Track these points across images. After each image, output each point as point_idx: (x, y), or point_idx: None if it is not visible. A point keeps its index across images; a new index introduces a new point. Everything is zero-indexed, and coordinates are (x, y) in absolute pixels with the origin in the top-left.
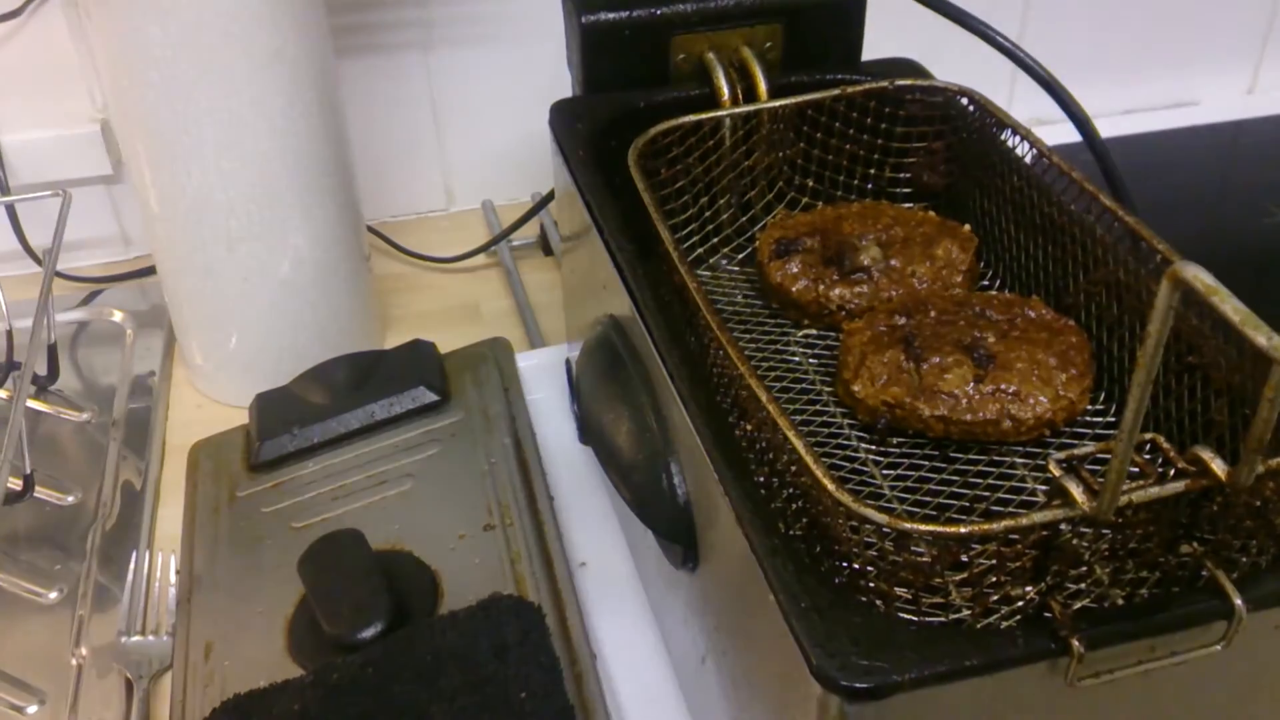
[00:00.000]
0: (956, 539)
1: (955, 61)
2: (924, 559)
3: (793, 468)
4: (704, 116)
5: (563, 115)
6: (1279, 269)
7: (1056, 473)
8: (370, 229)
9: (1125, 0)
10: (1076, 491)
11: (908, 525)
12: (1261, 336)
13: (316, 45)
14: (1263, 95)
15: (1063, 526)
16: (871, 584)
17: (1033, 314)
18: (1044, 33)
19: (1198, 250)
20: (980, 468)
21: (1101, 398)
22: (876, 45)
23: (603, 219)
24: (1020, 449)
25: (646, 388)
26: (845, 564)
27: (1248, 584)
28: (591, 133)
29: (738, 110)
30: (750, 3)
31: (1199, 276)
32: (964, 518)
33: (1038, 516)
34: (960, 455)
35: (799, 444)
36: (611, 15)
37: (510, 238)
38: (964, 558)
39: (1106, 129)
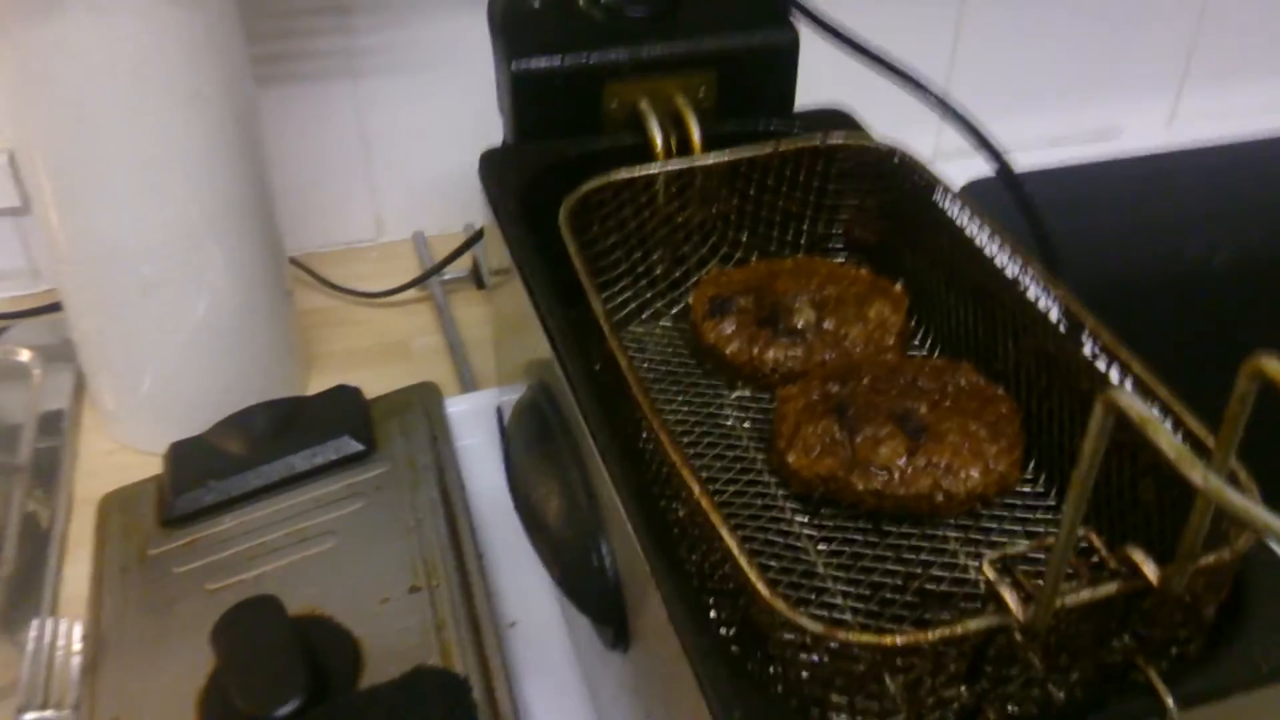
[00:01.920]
0: (893, 651)
1: (891, 92)
2: (859, 666)
3: (725, 565)
4: (635, 174)
5: (492, 165)
6: (1197, 302)
7: (990, 575)
8: (296, 261)
9: (1050, 31)
10: (1011, 600)
11: (842, 636)
12: (1196, 475)
13: (236, 84)
14: (1182, 125)
15: (1002, 632)
16: (806, 689)
17: (964, 382)
18: (972, 63)
19: (1120, 285)
20: (914, 542)
21: (1031, 466)
22: (815, 77)
23: (533, 280)
24: (952, 522)
25: (576, 461)
26: (778, 667)
27: (1179, 678)
28: (521, 184)
29: (670, 167)
30: (683, 51)
31: (1133, 406)
32: (896, 597)
33: (973, 625)
34: (893, 529)
35: (732, 543)
36: (543, 63)
37: (442, 271)
38: (898, 661)
39: (1032, 159)
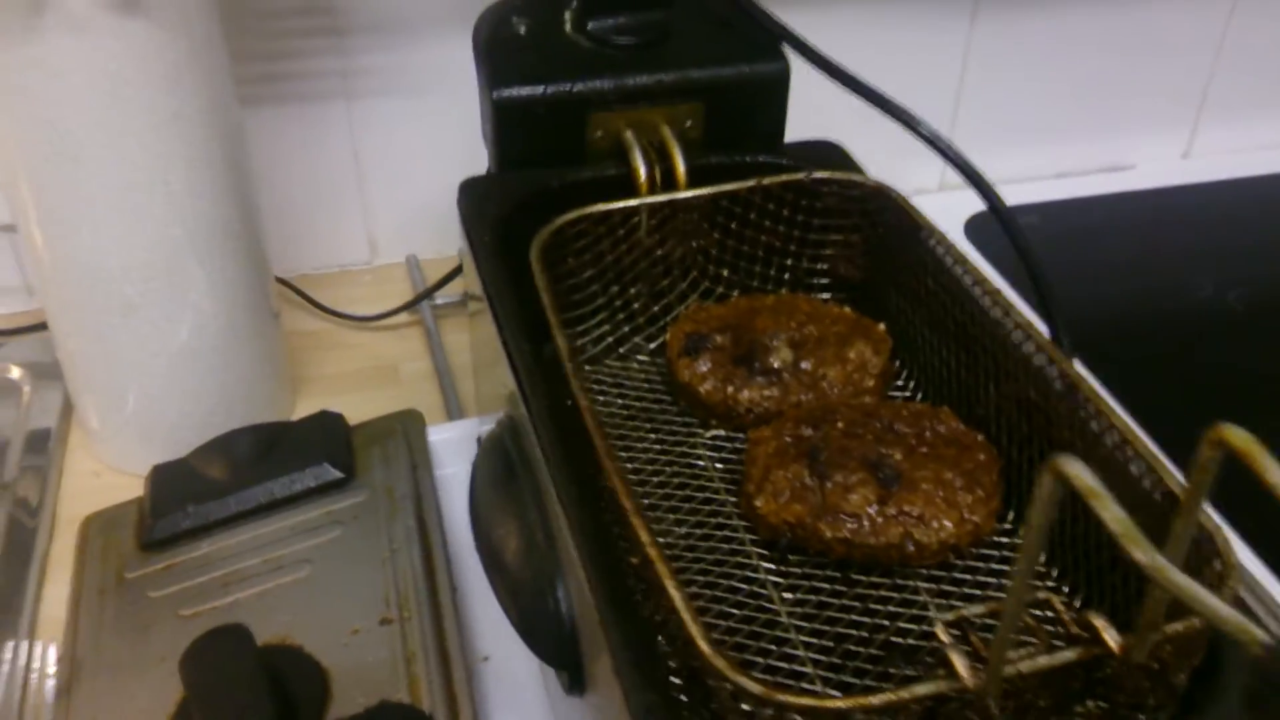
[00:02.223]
0: (834, 714)
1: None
2: None
3: (672, 616)
4: (612, 206)
5: (471, 195)
6: (1204, 342)
7: (944, 639)
8: (287, 283)
9: (1061, 61)
10: (961, 666)
11: (781, 698)
12: (1140, 553)
13: (219, 105)
14: (1198, 160)
15: (956, 697)
16: None
17: (942, 428)
18: (980, 92)
19: (1130, 320)
20: (882, 592)
21: (1010, 516)
22: (819, 110)
23: (504, 317)
24: (924, 572)
25: (537, 501)
26: None
27: None
28: (499, 215)
29: (649, 200)
30: (670, 82)
31: (1079, 475)
32: (861, 650)
33: (919, 689)
34: (862, 577)
35: (677, 596)
36: (525, 91)
37: (433, 295)
38: None
39: (1040, 192)
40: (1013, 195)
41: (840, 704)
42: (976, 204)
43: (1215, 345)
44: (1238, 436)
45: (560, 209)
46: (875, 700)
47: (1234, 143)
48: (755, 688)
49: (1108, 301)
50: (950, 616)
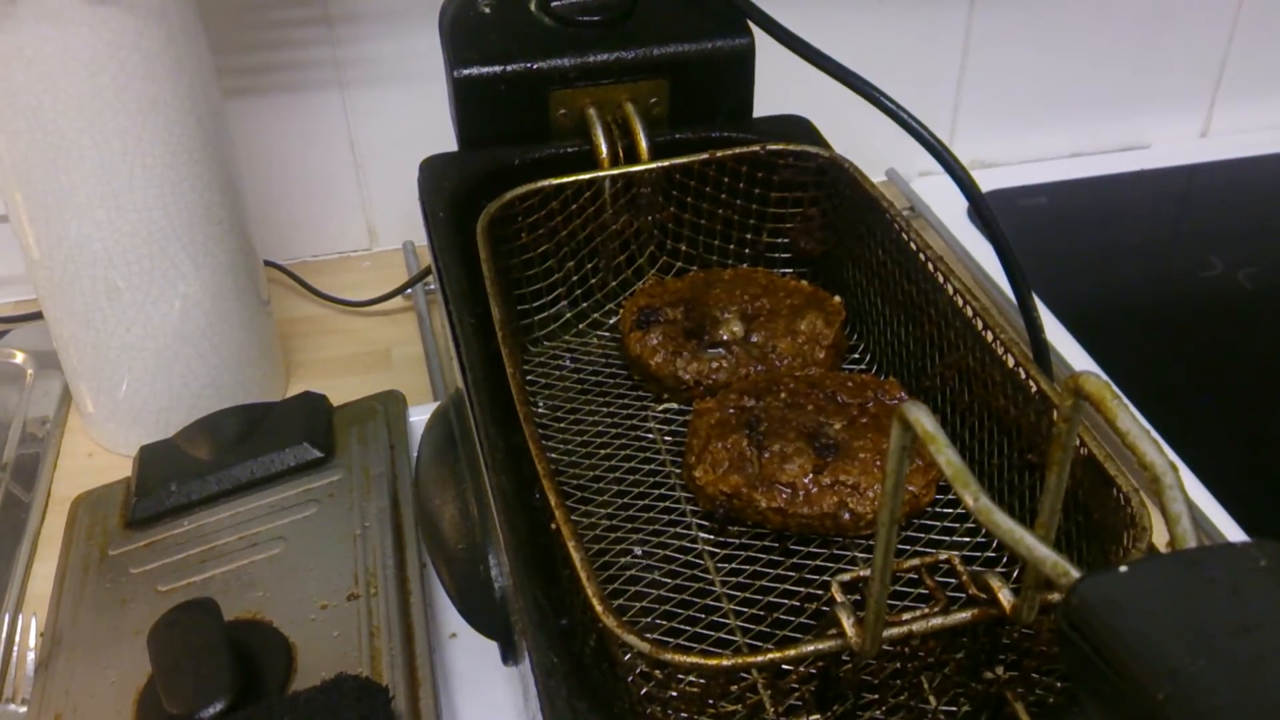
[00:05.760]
0: (719, 672)
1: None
2: (693, 689)
3: (575, 578)
4: (564, 181)
5: (431, 172)
6: (1212, 323)
7: (838, 597)
8: (285, 270)
9: (1074, 39)
10: (847, 623)
11: (668, 656)
12: (967, 495)
13: (198, 93)
14: (1216, 139)
15: (844, 657)
16: (646, 709)
17: (886, 398)
18: (988, 71)
19: (1133, 301)
20: (819, 561)
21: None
22: (820, 92)
23: (449, 288)
24: (862, 541)
25: (473, 472)
26: (623, 685)
27: (1055, 714)
28: (457, 191)
29: (601, 174)
30: (631, 59)
31: (920, 421)
32: (792, 619)
33: (807, 648)
34: (801, 547)
35: (577, 556)
36: (486, 69)
37: (426, 280)
38: (734, 688)
39: (1054, 172)
40: (1025, 176)
41: (725, 662)
42: (982, 186)
43: (1223, 323)
44: (1091, 383)
45: (520, 186)
46: (759, 659)
47: (1252, 120)
48: (643, 646)
49: (1116, 280)
50: (846, 577)
